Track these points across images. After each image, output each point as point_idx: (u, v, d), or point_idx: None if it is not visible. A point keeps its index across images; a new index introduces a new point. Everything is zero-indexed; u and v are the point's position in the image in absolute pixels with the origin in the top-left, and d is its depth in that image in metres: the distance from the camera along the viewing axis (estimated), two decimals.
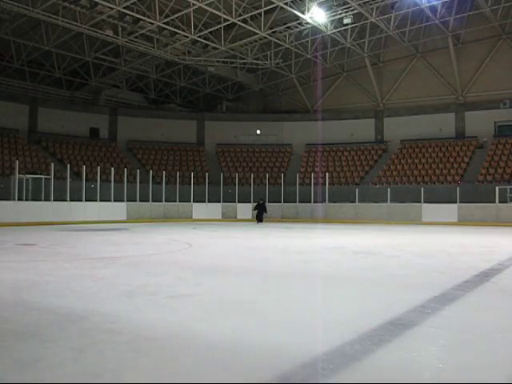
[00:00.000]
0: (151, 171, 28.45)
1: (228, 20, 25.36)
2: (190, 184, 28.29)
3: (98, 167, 25.41)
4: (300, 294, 5.61)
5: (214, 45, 28.49)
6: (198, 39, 27.68)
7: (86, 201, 23.46)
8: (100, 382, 2.81)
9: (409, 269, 7.68)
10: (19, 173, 22.71)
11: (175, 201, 27.73)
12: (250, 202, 29.66)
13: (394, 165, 32.39)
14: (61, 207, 22.31)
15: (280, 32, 27.93)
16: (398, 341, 3.65)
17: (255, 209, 26.04)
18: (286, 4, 24.10)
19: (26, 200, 22.57)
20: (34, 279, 6.31)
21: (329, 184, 29.02)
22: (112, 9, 23.40)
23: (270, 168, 35.15)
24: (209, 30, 27.01)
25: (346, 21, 26.02)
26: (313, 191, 28.52)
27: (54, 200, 22.36)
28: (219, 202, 29.23)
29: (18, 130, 31.43)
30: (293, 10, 24.66)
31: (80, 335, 3.70)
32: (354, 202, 27.48)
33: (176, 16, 25.09)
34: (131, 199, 25.64)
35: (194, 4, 23.61)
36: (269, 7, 24.71)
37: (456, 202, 24.53)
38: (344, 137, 35.77)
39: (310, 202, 28.53)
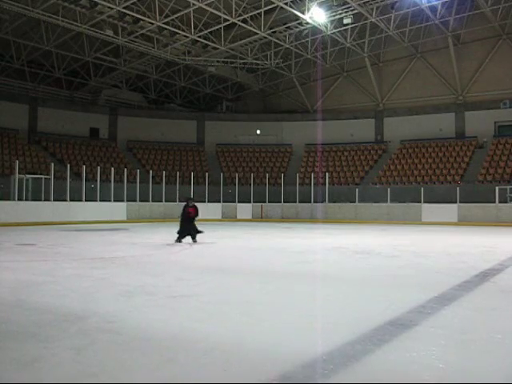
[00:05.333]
0: (151, 171, 28.43)
1: (228, 20, 25.34)
2: (190, 184, 28.27)
3: (98, 167, 25.40)
4: (300, 294, 5.60)
5: (214, 45, 28.47)
6: (198, 39, 27.66)
7: (85, 201, 23.45)
8: (98, 382, 2.80)
9: (409, 269, 7.66)
10: (19, 173, 22.69)
11: (175, 201, 27.72)
12: (249, 202, 29.65)
13: (394, 165, 32.37)
14: (61, 207, 22.29)
15: (280, 32, 27.90)
16: (397, 341, 3.64)
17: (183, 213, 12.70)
18: (286, 4, 24.07)
19: (26, 200, 22.55)
20: (33, 279, 6.30)
21: (329, 184, 29.00)
22: (112, 9, 23.38)
23: (270, 168, 35.14)
24: (209, 30, 26.99)
25: (345, 21, 25.97)
26: (313, 191, 28.50)
27: (54, 200, 22.34)
28: (219, 202, 29.21)
29: (17, 130, 31.41)
30: (293, 10, 24.63)
31: (79, 335, 3.69)
32: (353, 202, 27.45)
33: (176, 16, 25.07)
34: (131, 199, 25.62)
35: (193, 4, 23.59)
36: (269, 7, 24.68)
37: (456, 202, 24.51)
38: (344, 137, 35.76)
39: (309, 202, 28.50)
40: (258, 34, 27.14)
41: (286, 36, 28.93)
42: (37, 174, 25.39)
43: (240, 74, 35.79)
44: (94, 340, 3.57)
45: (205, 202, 28.29)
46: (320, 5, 24.59)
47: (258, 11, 25.12)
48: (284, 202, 29.32)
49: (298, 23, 26.59)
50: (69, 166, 25.36)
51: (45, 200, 22.67)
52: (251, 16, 25.64)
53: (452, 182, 28.52)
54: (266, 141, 37.50)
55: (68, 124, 33.60)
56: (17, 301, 4.96)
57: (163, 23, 25.17)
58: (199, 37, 27.36)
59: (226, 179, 32.54)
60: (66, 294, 5.35)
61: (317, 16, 25.10)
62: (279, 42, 29.32)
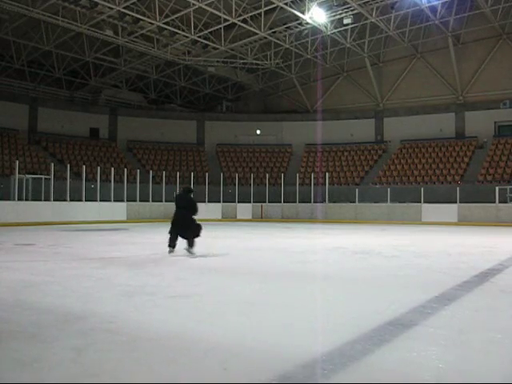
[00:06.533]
0: (151, 171, 28.42)
1: (228, 20, 25.33)
2: (190, 184, 28.25)
3: (98, 167, 25.38)
4: (300, 294, 5.60)
5: (214, 45, 28.46)
6: (198, 39, 27.66)
7: (85, 201, 23.44)
8: (98, 382, 2.80)
9: (409, 269, 7.66)
10: (19, 173, 22.67)
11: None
12: (249, 202, 29.63)
13: (394, 165, 32.36)
14: (61, 207, 22.28)
15: (280, 32, 27.90)
16: (397, 341, 3.64)
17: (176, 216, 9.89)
18: (285, 4, 24.06)
19: (26, 200, 22.54)
20: (33, 279, 6.30)
21: (329, 184, 28.99)
22: (112, 9, 23.37)
23: (269, 168, 35.13)
24: (209, 30, 26.99)
25: (346, 21, 25.97)
26: (313, 191, 28.48)
27: (54, 200, 22.32)
28: (219, 202, 29.21)
29: (17, 130, 31.40)
30: (293, 10, 24.62)
31: (79, 335, 3.69)
32: (353, 202, 27.44)
33: (176, 16, 25.06)
34: (131, 199, 25.61)
35: (193, 4, 23.59)
36: (269, 7, 24.67)
37: (456, 202, 24.50)
38: (344, 137, 35.75)
39: (310, 202, 28.49)
40: (257, 34, 27.14)
41: (285, 36, 28.93)
42: (37, 174, 25.38)
43: (240, 74, 35.79)
44: (94, 340, 3.57)
45: (205, 201, 28.28)
46: (320, 5, 24.59)
47: (258, 11, 25.12)
48: (284, 202, 29.30)
49: (298, 23, 26.60)
50: (69, 166, 25.34)
51: (45, 200, 22.65)
52: (251, 16, 25.64)
53: (452, 182, 28.52)
54: (266, 141, 37.49)
55: (68, 124, 33.59)
56: (17, 301, 4.95)
57: (163, 23, 25.17)
58: (199, 37, 27.36)
59: (226, 179, 32.54)
60: (66, 294, 5.35)
61: (317, 16, 25.10)
62: (279, 42, 29.31)
